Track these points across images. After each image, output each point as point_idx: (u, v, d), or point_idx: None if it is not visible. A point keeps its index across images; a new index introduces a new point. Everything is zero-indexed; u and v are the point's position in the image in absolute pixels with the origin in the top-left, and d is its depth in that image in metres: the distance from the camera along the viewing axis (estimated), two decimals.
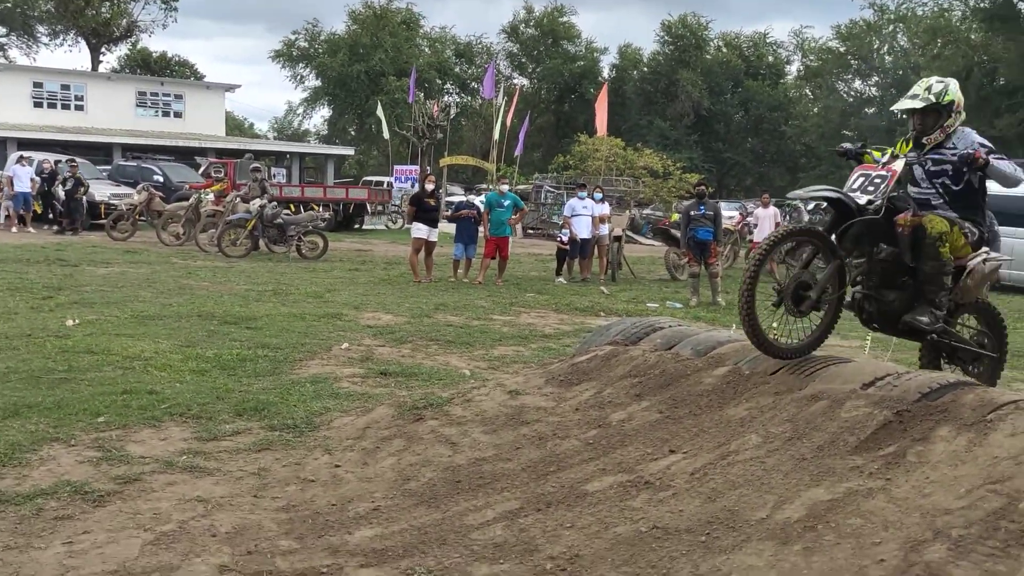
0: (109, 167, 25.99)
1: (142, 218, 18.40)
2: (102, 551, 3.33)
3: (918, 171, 4.53)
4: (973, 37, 31.27)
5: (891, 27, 41.77)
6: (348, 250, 17.90)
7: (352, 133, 49.84)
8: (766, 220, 15.51)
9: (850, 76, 44.12)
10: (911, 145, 4.58)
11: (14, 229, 18.67)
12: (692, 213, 12.63)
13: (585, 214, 14.26)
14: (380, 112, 33.27)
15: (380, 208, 27.35)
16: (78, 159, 21.35)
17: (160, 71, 46.07)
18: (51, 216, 19.73)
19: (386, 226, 26.55)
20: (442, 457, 4.33)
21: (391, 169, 33.05)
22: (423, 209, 13.06)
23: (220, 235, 15.44)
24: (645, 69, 48.14)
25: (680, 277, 14.50)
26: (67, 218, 18.98)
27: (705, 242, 12.36)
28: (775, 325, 4.29)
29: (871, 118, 40.15)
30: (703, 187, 13.66)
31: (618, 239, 15.23)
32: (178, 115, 37.06)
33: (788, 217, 19.34)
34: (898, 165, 4.23)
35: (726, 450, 3.73)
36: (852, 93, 44.35)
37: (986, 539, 2.61)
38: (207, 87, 40.38)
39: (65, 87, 35.16)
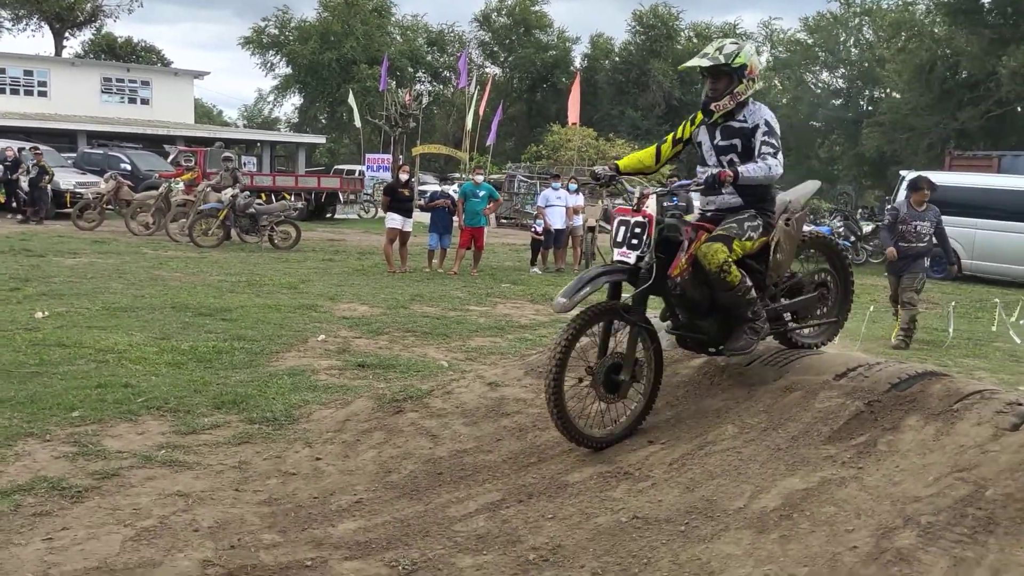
0: (74, 155, 25.49)
1: (109, 207, 18.10)
2: (83, 547, 3.31)
3: (706, 146, 4.14)
4: (937, 31, 31.73)
5: (857, 20, 42.27)
6: (321, 240, 17.78)
7: (323, 121, 49.34)
8: None
9: (818, 68, 44.57)
10: (700, 117, 4.18)
11: None
12: (665, 204, 12.72)
13: (559, 205, 14.31)
14: (352, 100, 32.98)
15: (352, 197, 27.20)
16: (42, 146, 20.92)
17: (126, 57, 45.09)
18: (15, 205, 19.32)
19: (358, 215, 26.39)
20: (423, 449, 4.36)
21: (363, 158, 32.77)
22: (397, 199, 13.02)
23: (192, 225, 15.27)
24: (617, 59, 48.20)
25: None
26: (31, 207, 18.61)
27: None
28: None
29: (838, 109, 40.66)
30: (675, 178, 13.76)
31: (592, 229, 15.31)
32: (145, 102, 36.42)
33: None
34: (651, 206, 3.94)
35: (703, 440, 3.81)
36: (820, 85, 44.81)
37: (954, 526, 2.71)
38: (175, 73, 39.70)
39: (28, 73, 34.40)
